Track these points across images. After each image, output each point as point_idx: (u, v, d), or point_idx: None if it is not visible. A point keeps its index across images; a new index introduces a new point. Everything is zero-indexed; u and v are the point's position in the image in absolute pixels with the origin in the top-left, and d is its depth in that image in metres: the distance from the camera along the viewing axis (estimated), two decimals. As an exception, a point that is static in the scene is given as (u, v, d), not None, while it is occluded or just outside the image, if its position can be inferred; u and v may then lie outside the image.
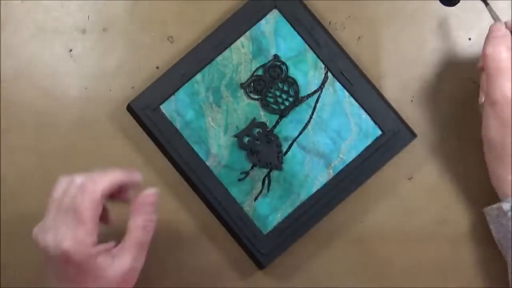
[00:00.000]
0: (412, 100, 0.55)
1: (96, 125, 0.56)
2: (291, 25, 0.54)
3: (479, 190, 0.53)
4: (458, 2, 0.55)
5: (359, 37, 0.56)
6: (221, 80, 0.54)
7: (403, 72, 0.55)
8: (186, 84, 0.54)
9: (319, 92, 0.54)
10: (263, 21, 0.54)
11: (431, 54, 0.55)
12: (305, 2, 0.54)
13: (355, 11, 0.56)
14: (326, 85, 0.54)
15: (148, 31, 0.56)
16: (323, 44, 0.53)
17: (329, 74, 0.53)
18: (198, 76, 0.54)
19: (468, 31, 0.55)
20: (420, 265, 0.54)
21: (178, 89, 0.54)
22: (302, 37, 0.54)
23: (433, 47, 0.55)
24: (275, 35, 0.54)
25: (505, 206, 0.46)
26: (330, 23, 0.56)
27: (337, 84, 0.53)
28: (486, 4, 0.51)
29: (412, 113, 0.55)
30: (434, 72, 0.55)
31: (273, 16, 0.54)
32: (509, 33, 0.47)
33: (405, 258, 0.54)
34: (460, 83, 0.55)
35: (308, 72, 0.54)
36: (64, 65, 0.56)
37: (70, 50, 0.57)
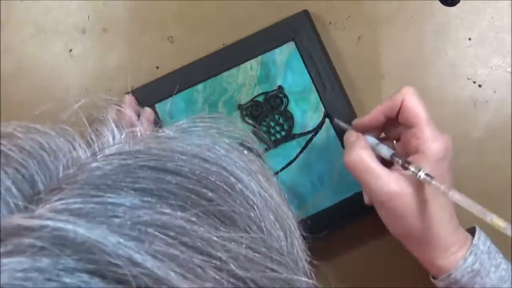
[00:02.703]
0: (412, 100, 0.55)
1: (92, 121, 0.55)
2: (303, 61, 0.53)
3: (472, 191, 0.53)
4: (458, 2, 0.55)
5: (359, 37, 0.56)
6: (221, 95, 0.54)
7: (403, 72, 0.55)
8: (186, 90, 0.54)
9: (313, 134, 0.53)
10: (277, 50, 0.53)
11: (431, 54, 0.55)
12: (304, 2, 0.54)
13: (355, 11, 0.56)
14: (321, 129, 0.53)
15: (148, 31, 0.56)
16: (329, 89, 0.53)
17: (327, 119, 0.53)
18: (200, 86, 0.54)
19: (468, 31, 0.55)
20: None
21: (177, 93, 0.54)
22: (310, 75, 0.53)
23: (433, 47, 0.55)
24: (285, 66, 0.53)
25: (440, 284, 0.45)
26: (330, 23, 0.56)
27: (332, 132, 0.53)
28: (332, 119, 0.52)
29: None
30: (434, 72, 0.55)
31: (288, 48, 0.53)
32: (360, 135, 0.46)
33: None
34: (460, 83, 0.55)
35: (307, 111, 0.53)
36: (64, 65, 0.56)
37: (70, 50, 0.57)
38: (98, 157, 0.25)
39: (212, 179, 0.24)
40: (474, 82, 0.54)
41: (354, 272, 0.55)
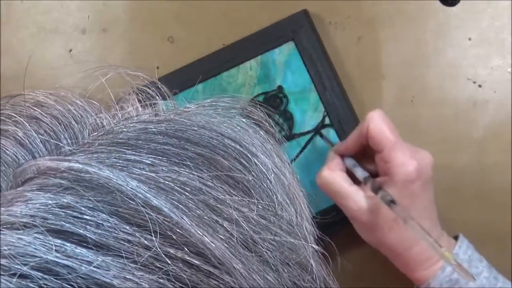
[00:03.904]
0: (412, 100, 0.55)
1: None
2: (303, 61, 0.53)
3: (472, 191, 0.53)
4: (458, 2, 0.55)
5: (359, 37, 0.56)
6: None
7: (403, 72, 0.55)
8: (186, 90, 0.54)
9: (313, 134, 0.53)
10: (277, 50, 0.53)
11: (431, 54, 0.55)
12: (304, 2, 0.54)
13: (355, 11, 0.55)
14: (321, 129, 0.53)
15: (148, 31, 0.56)
16: (329, 89, 0.53)
17: (327, 119, 0.53)
18: (200, 86, 0.54)
19: (468, 31, 0.55)
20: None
21: (177, 93, 0.54)
22: (310, 75, 0.53)
23: (433, 47, 0.55)
24: (285, 66, 0.53)
25: None
26: (330, 23, 0.56)
27: (332, 131, 0.53)
28: (322, 136, 0.53)
29: (412, 113, 0.55)
30: (434, 72, 0.55)
31: (288, 48, 0.53)
32: (336, 157, 0.48)
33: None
34: (460, 83, 0.55)
35: (307, 111, 0.53)
36: (64, 65, 0.56)
37: (70, 50, 0.57)
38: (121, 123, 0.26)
39: (229, 152, 0.25)
40: (474, 82, 0.54)
41: (354, 272, 0.55)
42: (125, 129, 0.25)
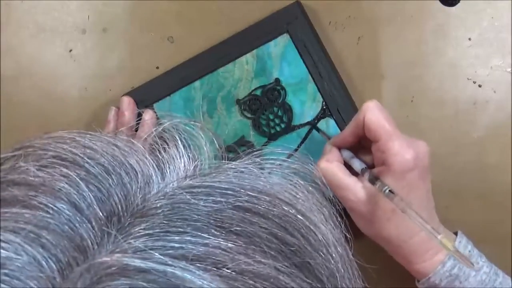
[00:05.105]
0: (412, 100, 0.55)
1: (96, 125, 0.56)
2: (298, 52, 0.53)
3: (472, 191, 0.53)
4: (458, 2, 0.55)
5: (359, 37, 0.56)
6: (219, 91, 0.54)
7: (403, 72, 0.55)
8: (183, 88, 0.54)
9: (313, 124, 0.53)
10: (272, 43, 0.54)
11: (431, 54, 0.55)
12: (304, 2, 0.54)
13: (355, 11, 0.55)
14: (320, 119, 0.53)
15: (148, 31, 0.56)
16: (326, 78, 0.53)
17: (326, 108, 0.53)
18: (197, 83, 0.54)
19: (468, 31, 0.55)
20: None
21: (175, 91, 0.54)
22: (306, 66, 0.53)
23: (433, 47, 0.55)
24: (281, 59, 0.54)
25: (421, 286, 0.46)
26: (330, 23, 0.56)
27: (331, 121, 0.53)
28: (318, 130, 0.53)
29: (412, 113, 0.55)
30: (434, 72, 0.55)
31: (283, 40, 0.54)
32: (333, 149, 0.48)
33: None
34: (460, 83, 0.55)
35: (305, 102, 0.53)
36: (64, 65, 0.56)
37: (70, 50, 0.57)
38: (181, 184, 0.24)
39: (293, 225, 0.24)
40: (474, 82, 0.54)
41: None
42: (185, 197, 0.23)
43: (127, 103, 0.53)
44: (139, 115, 0.53)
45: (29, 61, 0.56)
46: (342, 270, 0.26)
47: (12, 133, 0.56)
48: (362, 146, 0.48)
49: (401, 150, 0.42)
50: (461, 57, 0.54)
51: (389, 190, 0.41)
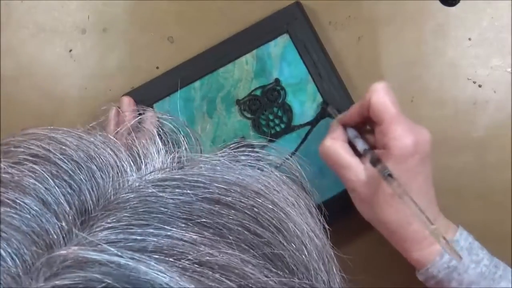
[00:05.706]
0: (412, 100, 0.55)
1: (96, 125, 0.55)
2: (298, 52, 0.53)
3: (472, 191, 0.53)
4: (458, 2, 0.55)
5: (359, 37, 0.56)
6: (219, 92, 0.54)
7: (403, 72, 0.55)
8: (183, 89, 0.54)
9: (312, 124, 0.53)
10: (272, 43, 0.54)
11: (431, 54, 0.55)
12: (304, 2, 0.54)
13: (355, 11, 0.56)
14: (320, 119, 0.53)
15: (148, 31, 0.56)
16: (326, 78, 0.53)
17: (325, 109, 0.53)
18: (197, 83, 0.54)
19: (468, 31, 0.55)
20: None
21: (174, 91, 0.54)
22: (306, 66, 0.53)
23: (433, 47, 0.55)
24: (281, 59, 0.54)
25: (420, 277, 0.46)
26: (330, 23, 0.56)
27: (331, 121, 0.52)
28: (327, 105, 0.52)
29: (412, 113, 0.55)
30: (434, 72, 0.55)
31: (283, 40, 0.54)
32: (339, 127, 0.47)
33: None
34: (460, 83, 0.55)
35: (305, 102, 0.53)
36: (64, 65, 0.56)
37: (70, 50, 0.57)
38: (149, 178, 0.24)
39: (266, 216, 0.24)
40: (474, 82, 0.54)
41: (354, 264, 0.55)
42: (155, 191, 0.23)
43: (127, 103, 0.53)
44: (139, 115, 0.53)
45: (29, 61, 0.56)
46: (318, 261, 0.25)
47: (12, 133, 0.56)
48: (368, 128, 0.48)
49: (402, 134, 0.42)
50: (461, 57, 0.54)
51: (389, 174, 0.41)
